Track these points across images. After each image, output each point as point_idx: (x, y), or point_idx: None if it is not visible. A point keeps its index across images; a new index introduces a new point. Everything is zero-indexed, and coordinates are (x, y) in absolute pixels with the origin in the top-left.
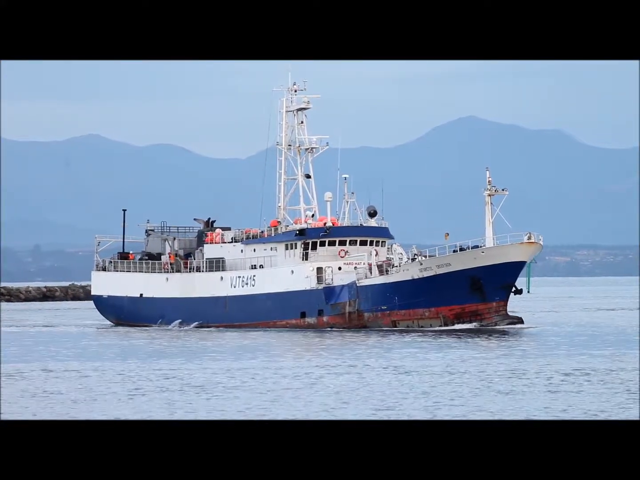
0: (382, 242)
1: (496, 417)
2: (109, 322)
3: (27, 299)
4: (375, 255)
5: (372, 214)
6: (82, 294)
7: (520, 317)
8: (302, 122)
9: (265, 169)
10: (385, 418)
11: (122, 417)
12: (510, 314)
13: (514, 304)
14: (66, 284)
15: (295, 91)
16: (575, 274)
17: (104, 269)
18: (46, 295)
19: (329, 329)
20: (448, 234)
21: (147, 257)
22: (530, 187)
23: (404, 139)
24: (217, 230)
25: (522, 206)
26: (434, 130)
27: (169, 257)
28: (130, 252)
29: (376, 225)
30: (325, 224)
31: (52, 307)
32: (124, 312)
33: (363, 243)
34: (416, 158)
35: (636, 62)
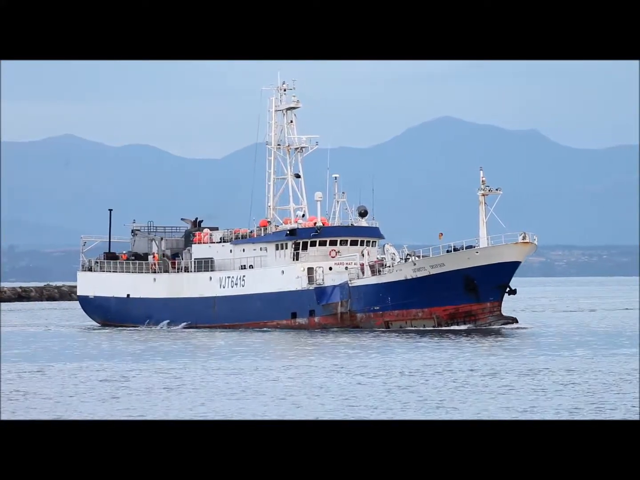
0: (372, 242)
1: (495, 417)
2: (94, 323)
3: (2, 300)
4: (367, 255)
5: (363, 213)
6: (57, 294)
7: (515, 317)
8: (291, 122)
9: (255, 168)
10: (377, 418)
11: (117, 418)
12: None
13: None
14: (41, 284)
15: (285, 90)
16: (550, 274)
17: (90, 269)
18: (21, 296)
19: (319, 329)
20: (442, 234)
21: (133, 257)
22: (506, 187)
23: (379, 139)
24: (205, 230)
25: (498, 206)
26: (410, 131)
27: (153, 257)
28: (124, 252)
29: (367, 225)
30: (315, 223)
31: (30, 307)
32: (110, 313)
33: (354, 243)
34: (394, 158)
35: (609, 62)
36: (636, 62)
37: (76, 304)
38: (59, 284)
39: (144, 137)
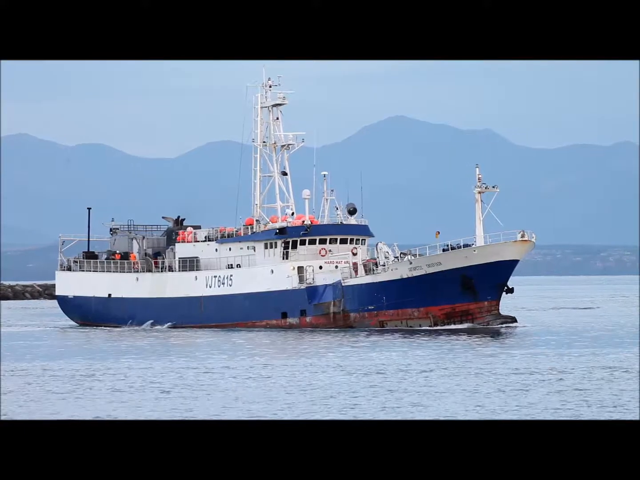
0: (362, 240)
1: (495, 417)
2: (71, 323)
3: None
4: (359, 253)
5: (352, 211)
6: (10, 293)
7: (514, 317)
8: (277, 119)
9: (241, 168)
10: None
11: (116, 418)
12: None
13: None
14: None
15: (270, 86)
16: None
17: (68, 269)
18: None
19: (311, 329)
20: (439, 233)
21: (113, 257)
22: (462, 186)
23: (333, 139)
24: (189, 229)
25: (453, 205)
26: (365, 130)
27: (130, 256)
28: (117, 252)
29: (356, 223)
30: (303, 222)
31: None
32: (91, 313)
33: (344, 241)
34: (350, 158)
35: (560, 62)
36: (586, 62)
37: (32, 303)
38: (12, 283)
39: (96, 136)
